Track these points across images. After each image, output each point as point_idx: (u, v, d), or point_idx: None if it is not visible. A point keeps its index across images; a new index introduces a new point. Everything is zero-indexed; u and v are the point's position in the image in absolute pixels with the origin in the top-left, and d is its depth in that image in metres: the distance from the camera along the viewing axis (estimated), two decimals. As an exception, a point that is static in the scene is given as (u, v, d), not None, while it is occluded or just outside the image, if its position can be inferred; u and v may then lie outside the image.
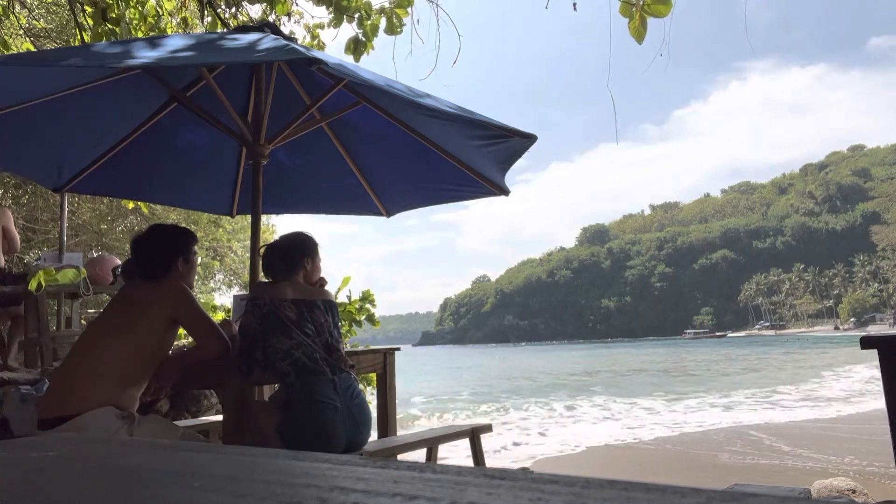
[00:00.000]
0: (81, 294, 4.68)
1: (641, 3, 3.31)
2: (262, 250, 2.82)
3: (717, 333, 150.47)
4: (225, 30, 5.05)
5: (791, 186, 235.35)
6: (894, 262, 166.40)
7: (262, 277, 2.83)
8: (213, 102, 3.21)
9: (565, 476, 0.44)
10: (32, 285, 4.22)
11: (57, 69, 2.51)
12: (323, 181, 4.52)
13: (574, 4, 3.92)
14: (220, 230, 12.94)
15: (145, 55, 2.22)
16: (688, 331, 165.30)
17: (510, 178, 3.84)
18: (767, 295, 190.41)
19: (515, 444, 9.23)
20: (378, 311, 5.93)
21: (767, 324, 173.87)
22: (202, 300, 8.74)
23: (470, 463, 3.68)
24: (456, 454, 6.98)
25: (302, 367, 2.44)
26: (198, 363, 2.59)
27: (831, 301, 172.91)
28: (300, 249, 2.76)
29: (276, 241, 2.81)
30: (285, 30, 4.26)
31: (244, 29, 3.13)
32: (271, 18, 5.26)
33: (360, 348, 4.20)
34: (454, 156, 3.76)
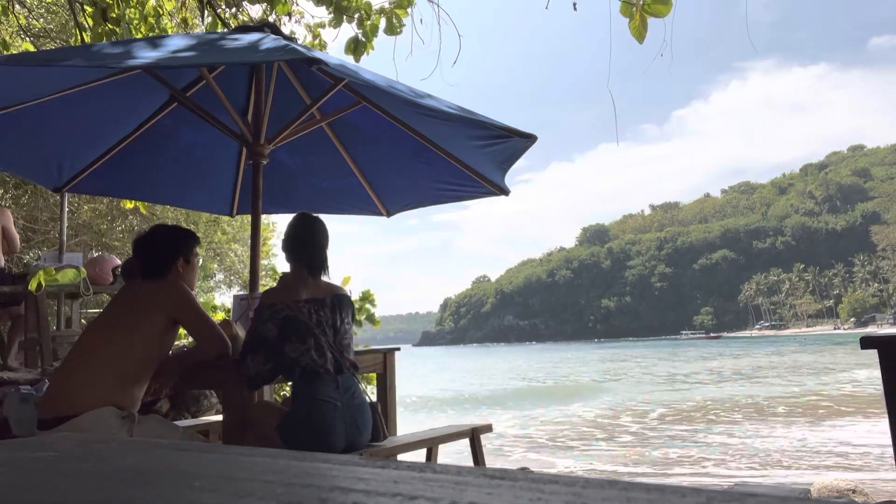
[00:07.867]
0: (81, 294, 4.67)
1: (642, 2, 3.30)
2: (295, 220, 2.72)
3: (712, 335, 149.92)
4: (225, 30, 5.04)
5: (791, 186, 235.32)
6: (894, 262, 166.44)
7: (263, 275, 2.82)
8: (213, 102, 3.21)
9: (565, 476, 0.44)
10: (32, 285, 4.22)
11: (57, 69, 2.51)
12: (323, 181, 4.53)
13: (574, 4, 3.91)
14: (220, 230, 12.92)
15: (146, 55, 2.23)
16: (684, 331, 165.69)
17: (510, 178, 3.84)
18: (767, 295, 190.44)
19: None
20: (378, 311, 5.91)
21: (767, 324, 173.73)
22: (202, 300, 8.74)
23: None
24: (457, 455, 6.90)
25: (307, 368, 2.44)
26: (198, 363, 2.59)
27: (831, 301, 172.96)
28: (325, 238, 2.69)
29: (315, 221, 2.72)
30: (286, 30, 4.26)
31: (244, 29, 3.13)
32: (271, 18, 5.26)
33: (360, 348, 4.20)
34: (454, 156, 3.76)
